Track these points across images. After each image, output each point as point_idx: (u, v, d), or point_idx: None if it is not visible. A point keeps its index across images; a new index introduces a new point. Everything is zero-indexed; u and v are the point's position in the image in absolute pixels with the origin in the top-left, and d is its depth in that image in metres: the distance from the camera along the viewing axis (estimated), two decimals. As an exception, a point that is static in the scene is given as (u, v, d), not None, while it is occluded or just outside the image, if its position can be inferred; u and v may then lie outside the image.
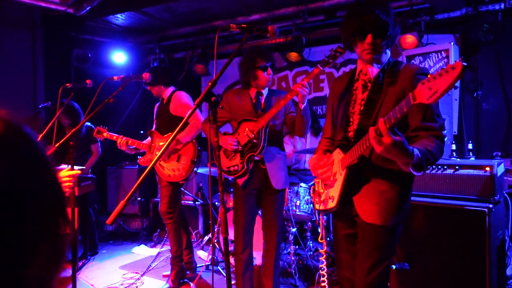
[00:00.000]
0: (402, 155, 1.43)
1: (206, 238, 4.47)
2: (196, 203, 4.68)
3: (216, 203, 4.22)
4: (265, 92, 2.81)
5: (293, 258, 3.43)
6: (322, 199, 1.91)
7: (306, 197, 3.52)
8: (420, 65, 3.42)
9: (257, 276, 3.04)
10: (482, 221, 2.36)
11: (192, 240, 4.02)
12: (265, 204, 2.80)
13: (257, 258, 3.28)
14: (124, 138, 3.36)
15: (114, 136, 3.40)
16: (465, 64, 1.17)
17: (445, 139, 1.69)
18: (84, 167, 3.96)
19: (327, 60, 2.32)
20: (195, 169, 3.28)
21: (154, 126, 3.51)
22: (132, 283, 3.50)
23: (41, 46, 4.76)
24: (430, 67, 3.50)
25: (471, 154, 3.06)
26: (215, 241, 3.72)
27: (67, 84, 2.94)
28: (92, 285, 3.49)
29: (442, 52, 3.35)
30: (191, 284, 3.41)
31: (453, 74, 1.18)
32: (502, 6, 3.64)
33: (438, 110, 1.67)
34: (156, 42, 5.53)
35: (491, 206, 2.37)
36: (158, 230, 4.81)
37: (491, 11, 3.71)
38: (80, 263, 3.98)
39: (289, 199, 3.51)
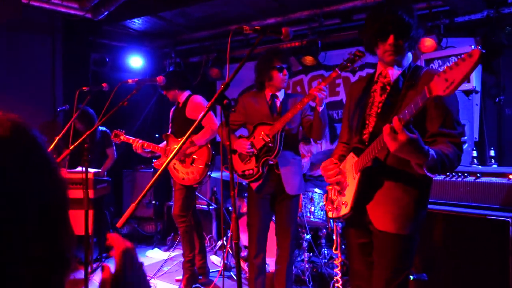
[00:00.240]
0: (416, 154, 1.37)
1: (219, 243, 4.44)
2: (210, 207, 4.66)
3: (230, 207, 4.19)
4: (280, 95, 2.78)
5: (307, 266, 3.36)
6: (335, 206, 1.85)
7: (321, 203, 3.46)
8: (439, 69, 3.33)
9: (270, 283, 2.99)
10: (505, 231, 2.26)
11: (206, 244, 4.00)
12: (278, 210, 2.76)
13: (270, 264, 3.24)
14: (140, 141, 3.40)
15: (131, 139, 3.45)
16: (483, 51, 1.11)
17: (465, 146, 1.62)
18: (99, 170, 4.01)
19: (345, 64, 2.27)
20: (209, 172, 3.27)
21: (170, 130, 3.53)
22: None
23: (60, 51, 4.86)
24: (449, 71, 3.39)
25: (493, 161, 2.94)
26: (228, 246, 3.69)
27: (83, 88, 2.98)
28: (106, 288, 3.50)
29: (463, 56, 3.25)
30: (204, 289, 3.39)
31: (471, 62, 1.12)
32: (526, 8, 3.52)
33: (458, 117, 1.61)
34: (172, 47, 5.58)
35: (514, 215, 2.27)
36: (172, 233, 4.81)
37: (514, 13, 3.59)
38: (95, 265, 4.01)
39: (304, 205, 3.46)
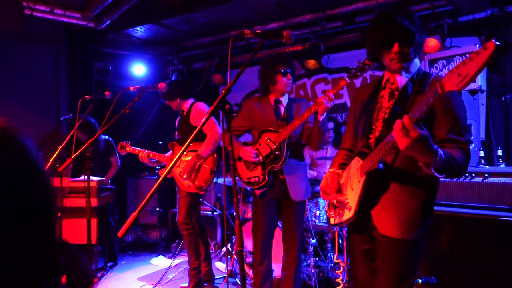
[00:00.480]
0: (426, 152, 1.35)
1: (224, 249, 4.41)
2: (215, 213, 4.64)
3: (234, 213, 4.16)
4: (284, 100, 2.76)
5: (313, 271, 3.32)
6: (337, 211, 1.81)
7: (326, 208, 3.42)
8: (444, 69, 3.29)
9: (276, 289, 2.95)
10: (515, 233, 2.21)
11: (211, 251, 3.97)
12: (285, 215, 2.73)
13: (276, 270, 3.20)
14: (146, 152, 3.41)
15: (137, 150, 3.48)
16: (498, 43, 1.07)
17: (471, 146, 1.59)
18: (103, 179, 4.00)
19: (354, 73, 2.24)
20: (214, 179, 3.25)
21: (175, 138, 3.53)
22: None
23: (64, 60, 4.90)
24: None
25: (501, 161, 2.89)
26: (233, 252, 3.65)
27: (86, 96, 2.99)
28: (111, 297, 3.49)
29: (467, 55, 3.21)
30: (209, 296, 3.35)
31: (485, 55, 1.09)
32: (531, 5, 3.48)
33: (466, 124, 1.59)
34: (175, 53, 5.59)
35: (525, 216, 2.22)
36: (177, 240, 4.78)
37: (518, 11, 3.55)
38: (99, 274, 3.99)
39: (309, 209, 3.42)
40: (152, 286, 3.66)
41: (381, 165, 1.58)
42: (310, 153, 4.25)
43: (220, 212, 4.65)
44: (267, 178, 2.61)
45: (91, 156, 2.31)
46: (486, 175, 2.42)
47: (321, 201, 3.43)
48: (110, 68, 5.12)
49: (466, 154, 1.51)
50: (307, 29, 4.54)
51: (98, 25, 4.51)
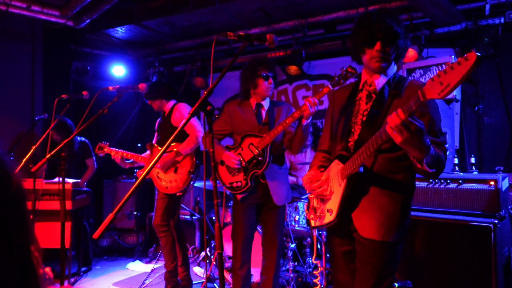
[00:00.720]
0: (421, 145, 1.36)
1: (203, 254, 4.36)
2: (193, 217, 4.58)
3: (213, 217, 4.13)
4: (265, 103, 2.76)
5: (292, 275, 3.32)
6: (318, 214, 1.82)
7: (306, 210, 3.43)
8: (421, 79, 3.38)
9: (254, 294, 2.93)
10: (487, 237, 2.28)
11: (189, 255, 3.91)
12: (265, 219, 2.73)
13: (255, 275, 3.18)
14: (120, 151, 3.31)
15: (113, 150, 3.36)
16: (479, 54, 1.11)
17: (447, 153, 1.64)
18: (79, 181, 3.89)
19: (337, 80, 2.27)
20: (192, 182, 3.21)
21: (154, 139, 3.47)
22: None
23: (40, 59, 4.76)
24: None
25: (474, 168, 2.99)
26: (212, 257, 3.61)
27: (63, 96, 2.91)
28: (84, 303, 3.38)
29: (443, 65, 3.32)
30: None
31: (467, 65, 1.12)
32: (502, 20, 3.64)
33: (440, 126, 1.64)
34: (156, 56, 5.53)
35: (496, 221, 2.30)
36: (154, 245, 4.69)
37: (491, 25, 3.70)
38: (73, 279, 3.87)
39: (288, 214, 3.43)
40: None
41: (361, 169, 1.60)
42: (289, 158, 4.28)
43: (199, 216, 4.59)
44: (249, 183, 2.60)
45: (66, 157, 2.24)
46: (460, 181, 2.50)
47: (300, 206, 3.45)
48: (89, 68, 5.01)
49: (444, 154, 1.56)
50: (289, 35, 4.59)
51: (78, 24, 4.41)
